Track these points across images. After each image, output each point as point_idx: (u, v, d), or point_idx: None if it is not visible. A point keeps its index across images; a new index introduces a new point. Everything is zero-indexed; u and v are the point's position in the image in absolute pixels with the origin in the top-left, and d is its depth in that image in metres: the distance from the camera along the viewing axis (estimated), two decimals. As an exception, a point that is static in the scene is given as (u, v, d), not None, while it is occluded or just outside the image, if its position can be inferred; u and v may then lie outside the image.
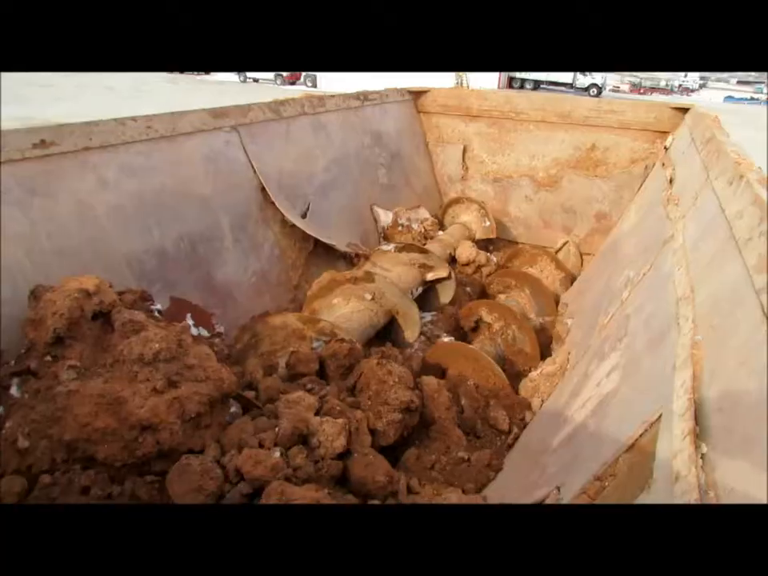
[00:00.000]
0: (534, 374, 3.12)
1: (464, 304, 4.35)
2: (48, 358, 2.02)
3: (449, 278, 4.21)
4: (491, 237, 5.30)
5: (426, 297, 4.27)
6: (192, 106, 3.65)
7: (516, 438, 2.74)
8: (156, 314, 2.62)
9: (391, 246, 4.39)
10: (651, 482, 1.23)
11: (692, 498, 1.00)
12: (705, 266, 1.68)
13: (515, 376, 3.33)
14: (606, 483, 1.63)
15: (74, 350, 2.04)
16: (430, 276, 4.16)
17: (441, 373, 3.11)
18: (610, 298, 2.84)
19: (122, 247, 2.97)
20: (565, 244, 5.12)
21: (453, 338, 3.72)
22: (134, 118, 3.13)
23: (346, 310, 3.54)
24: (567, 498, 1.84)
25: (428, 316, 4.12)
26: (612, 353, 2.19)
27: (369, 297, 3.66)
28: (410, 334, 3.70)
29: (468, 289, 4.51)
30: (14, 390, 1.94)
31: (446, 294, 4.27)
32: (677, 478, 1.07)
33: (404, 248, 4.32)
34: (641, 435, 1.52)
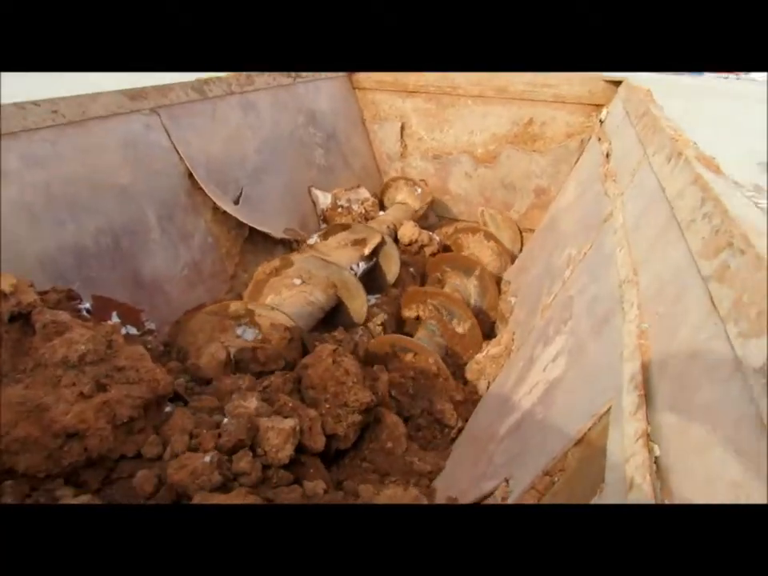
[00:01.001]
0: (479, 356, 3.08)
1: (408, 285, 4.27)
2: None
3: (383, 242, 4.10)
4: (427, 203, 5.23)
5: (370, 279, 4.15)
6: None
7: (460, 432, 2.68)
8: (84, 313, 2.45)
9: (315, 237, 4.26)
10: (603, 487, 1.17)
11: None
12: (647, 247, 1.63)
13: (461, 366, 3.27)
14: (556, 478, 1.58)
15: None
16: (367, 250, 4.03)
17: (383, 364, 3.02)
18: (552, 276, 2.80)
19: (32, 246, 2.71)
20: (481, 213, 5.12)
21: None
22: (36, 103, 2.83)
23: (277, 301, 3.40)
24: (516, 492, 1.78)
25: (372, 299, 4.02)
26: (557, 336, 2.15)
27: (298, 282, 3.52)
28: (358, 313, 3.58)
29: (411, 269, 4.43)
30: None
31: (390, 269, 4.16)
32: (631, 486, 1.00)
33: (328, 232, 4.20)
34: (589, 429, 1.47)
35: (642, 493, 0.97)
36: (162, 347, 3.03)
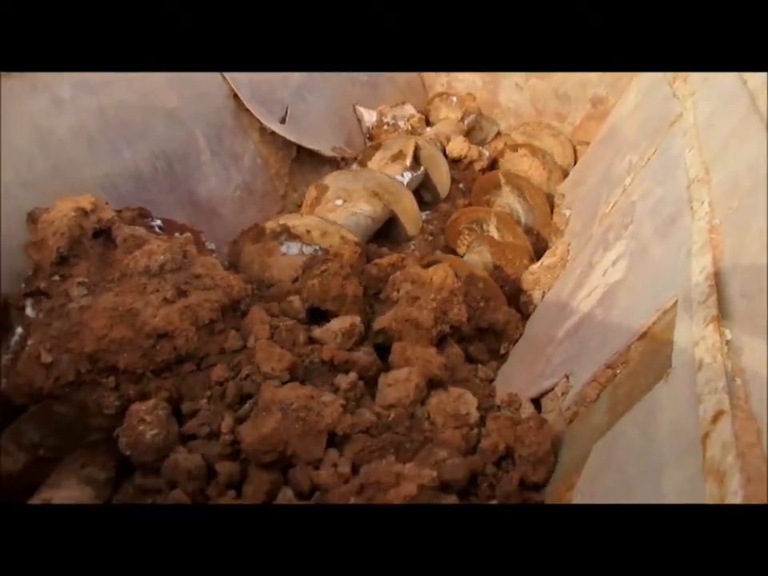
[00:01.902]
0: (534, 266, 3.11)
1: (458, 201, 4.25)
2: (56, 277, 2.05)
3: (419, 147, 4.01)
4: (474, 117, 5.10)
5: (420, 195, 4.14)
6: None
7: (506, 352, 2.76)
8: (156, 229, 2.58)
9: (354, 166, 4.20)
10: (669, 372, 1.23)
11: (718, 385, 1.00)
12: (721, 145, 1.60)
13: (512, 281, 3.29)
14: (618, 371, 1.66)
15: (80, 268, 2.07)
16: (407, 160, 3.97)
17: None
18: (611, 185, 2.76)
19: (92, 172, 2.78)
20: (529, 126, 4.96)
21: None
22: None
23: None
24: (577, 386, 1.88)
25: (422, 216, 4.03)
26: (617, 242, 2.16)
27: (340, 202, 3.53)
28: (410, 217, 3.57)
29: (461, 185, 4.40)
30: (29, 311, 2.00)
31: (440, 180, 4.10)
32: (700, 366, 1.06)
33: (364, 159, 4.13)
34: (653, 323, 1.52)
35: (712, 371, 1.03)
36: (227, 264, 3.18)
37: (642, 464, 1.15)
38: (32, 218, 2.12)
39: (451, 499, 1.78)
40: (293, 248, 3.05)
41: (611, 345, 1.72)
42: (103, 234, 2.22)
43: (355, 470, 1.94)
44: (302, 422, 1.92)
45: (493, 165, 4.74)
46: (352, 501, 1.76)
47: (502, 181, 4.04)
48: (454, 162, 4.65)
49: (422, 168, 4.07)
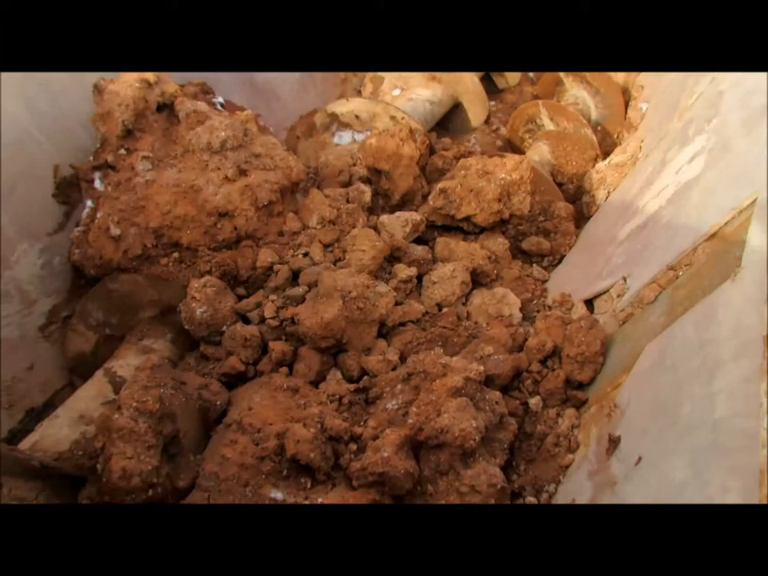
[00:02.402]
0: (601, 164, 2.93)
1: (525, 89, 3.99)
2: (122, 151, 2.12)
3: None
4: None
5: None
6: None
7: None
8: (218, 107, 2.58)
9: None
10: (738, 271, 1.17)
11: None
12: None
13: (572, 177, 3.12)
14: (680, 272, 1.59)
15: (145, 142, 2.12)
16: None
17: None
18: (698, 74, 2.51)
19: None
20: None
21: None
22: None
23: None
24: (634, 287, 1.82)
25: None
26: (697, 136, 1.99)
27: (397, 92, 3.34)
28: (478, 110, 3.38)
29: (531, 74, 4.10)
30: (97, 184, 2.11)
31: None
32: (774, 263, 1.00)
33: None
34: (726, 223, 1.43)
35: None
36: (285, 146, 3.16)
37: (697, 363, 1.13)
38: (98, 90, 2.15)
39: (495, 394, 1.82)
40: (345, 137, 2.99)
41: (676, 245, 1.64)
42: (166, 108, 2.25)
43: (403, 359, 2.00)
44: (359, 311, 1.97)
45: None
46: (398, 388, 1.82)
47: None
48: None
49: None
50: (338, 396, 1.80)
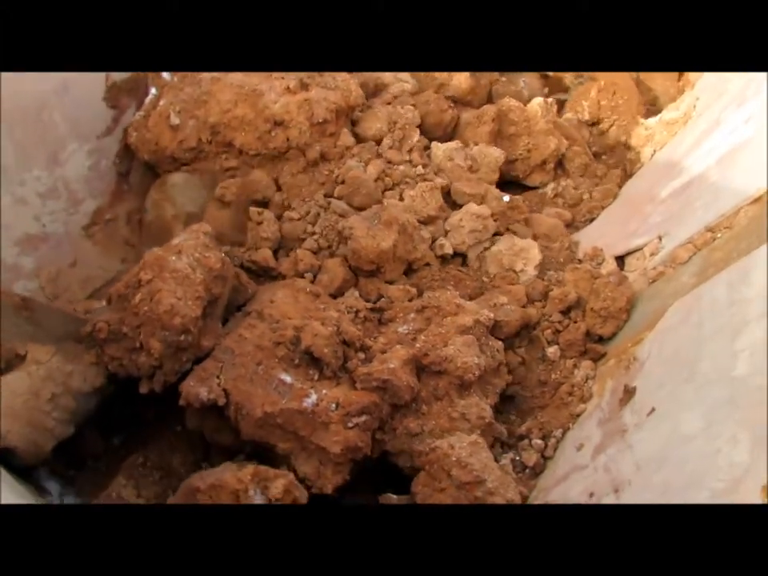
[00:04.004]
0: (651, 120, 2.83)
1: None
2: None
3: None
4: None
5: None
6: None
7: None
8: None
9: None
10: (779, 234, 1.16)
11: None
12: None
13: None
14: (718, 234, 1.58)
15: None
16: None
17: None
18: (767, 31, 2.38)
19: None
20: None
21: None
22: None
23: None
24: (669, 247, 1.81)
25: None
26: (755, 96, 1.92)
27: None
28: None
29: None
30: (165, 74, 2.18)
31: None
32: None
33: None
34: (774, 187, 1.40)
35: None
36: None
37: (722, 321, 1.14)
38: None
39: (497, 343, 1.89)
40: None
41: (718, 207, 1.62)
42: None
43: (418, 293, 2.05)
44: (403, 248, 2.02)
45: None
46: (411, 316, 1.90)
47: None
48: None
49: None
50: (355, 309, 1.89)
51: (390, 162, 2.24)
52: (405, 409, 1.68)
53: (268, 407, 1.54)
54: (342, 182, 2.15)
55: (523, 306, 2.04)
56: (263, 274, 2.05)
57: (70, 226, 2.05)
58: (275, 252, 2.08)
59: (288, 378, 1.63)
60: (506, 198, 2.41)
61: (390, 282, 2.08)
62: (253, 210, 2.08)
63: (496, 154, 2.38)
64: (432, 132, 2.49)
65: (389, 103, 2.42)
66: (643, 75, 3.18)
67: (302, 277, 2.00)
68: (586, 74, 3.30)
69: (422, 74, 2.63)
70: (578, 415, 1.78)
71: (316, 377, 1.68)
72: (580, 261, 2.27)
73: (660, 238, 1.91)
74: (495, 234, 2.28)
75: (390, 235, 1.97)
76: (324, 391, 1.62)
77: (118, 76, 2.15)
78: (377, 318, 1.94)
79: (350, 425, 1.56)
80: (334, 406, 1.58)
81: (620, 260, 2.15)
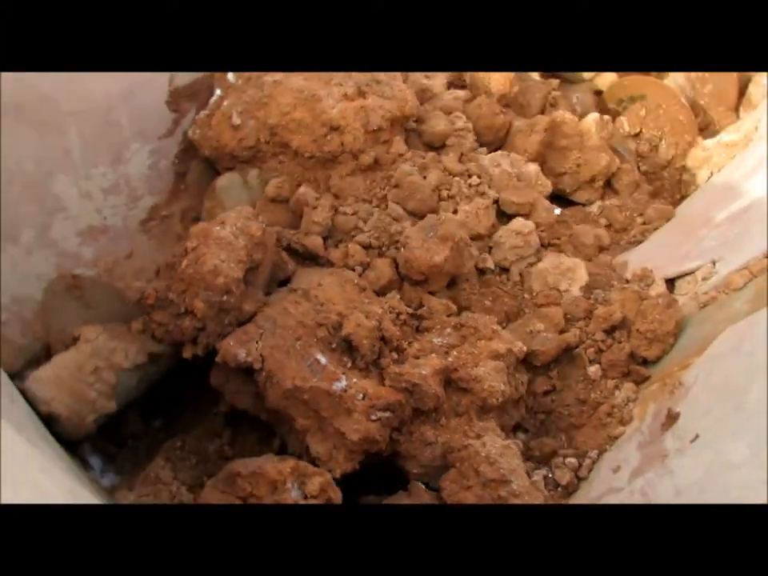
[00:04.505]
0: (709, 141, 2.77)
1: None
2: None
3: None
4: None
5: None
6: None
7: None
8: None
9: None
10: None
11: None
12: None
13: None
14: (776, 262, 1.53)
15: None
16: None
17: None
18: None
19: None
20: None
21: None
22: None
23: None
24: (723, 272, 1.76)
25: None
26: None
27: None
28: None
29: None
30: (230, 76, 2.29)
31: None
32: None
33: None
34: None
35: None
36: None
37: (776, 350, 1.10)
38: None
39: (524, 377, 1.90)
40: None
41: (778, 233, 1.57)
42: None
43: (459, 309, 2.05)
44: (453, 263, 2.02)
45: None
46: (448, 331, 1.91)
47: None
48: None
49: None
50: (396, 311, 1.91)
51: (446, 170, 2.27)
52: (425, 416, 1.72)
53: (299, 381, 1.60)
54: (396, 186, 2.18)
55: (561, 331, 2.01)
56: (310, 259, 2.09)
57: (129, 221, 2.16)
58: (324, 240, 2.12)
59: (323, 359, 1.68)
60: (557, 211, 2.39)
61: (432, 293, 2.09)
62: (310, 193, 2.15)
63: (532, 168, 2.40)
64: (484, 135, 2.51)
65: (444, 111, 2.45)
66: (699, 98, 3.11)
67: (352, 269, 2.03)
68: (637, 93, 3.24)
69: (473, 79, 2.66)
70: (617, 437, 1.75)
71: (349, 365, 1.73)
72: (628, 281, 2.23)
73: (714, 263, 1.87)
74: (543, 246, 2.27)
75: (443, 250, 1.97)
76: (354, 380, 1.66)
77: (180, 81, 2.26)
78: (415, 325, 1.97)
79: (373, 417, 1.60)
80: (361, 395, 1.62)
81: (670, 283, 2.10)
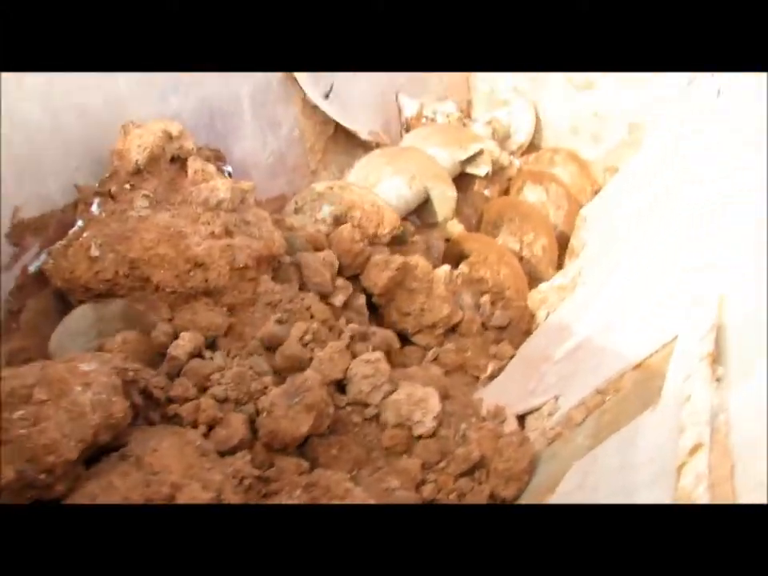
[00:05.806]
0: (544, 285, 3.10)
1: (479, 208, 4.23)
2: (127, 185, 2.29)
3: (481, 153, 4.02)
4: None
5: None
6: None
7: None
8: (226, 175, 2.74)
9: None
10: (659, 401, 1.23)
11: (702, 419, 0.99)
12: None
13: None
14: (608, 397, 1.65)
15: (150, 184, 2.30)
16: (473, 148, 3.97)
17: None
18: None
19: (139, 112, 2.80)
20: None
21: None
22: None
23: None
24: (565, 408, 1.87)
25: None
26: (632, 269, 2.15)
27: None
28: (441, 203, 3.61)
29: (486, 192, 4.38)
30: (94, 208, 2.25)
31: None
32: (688, 399, 1.06)
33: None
34: (652, 354, 1.52)
35: (699, 405, 1.03)
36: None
37: (617, 486, 1.15)
38: (125, 130, 2.33)
39: None
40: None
41: (605, 371, 1.72)
42: (179, 161, 2.44)
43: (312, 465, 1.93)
44: (316, 425, 1.94)
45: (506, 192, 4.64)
46: (297, 493, 1.75)
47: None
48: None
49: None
50: (241, 476, 1.74)
51: (308, 310, 2.30)
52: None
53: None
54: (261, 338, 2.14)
55: (418, 485, 1.94)
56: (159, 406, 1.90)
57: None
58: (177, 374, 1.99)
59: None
60: None
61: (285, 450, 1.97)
62: (169, 330, 2.06)
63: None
64: (343, 258, 2.67)
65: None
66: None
67: (197, 427, 1.87)
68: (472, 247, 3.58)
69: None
70: None
71: None
72: (484, 418, 2.28)
73: (556, 398, 1.98)
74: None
75: (308, 420, 1.90)
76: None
77: (25, 213, 2.15)
78: (262, 490, 1.80)
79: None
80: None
81: (521, 419, 2.18)
